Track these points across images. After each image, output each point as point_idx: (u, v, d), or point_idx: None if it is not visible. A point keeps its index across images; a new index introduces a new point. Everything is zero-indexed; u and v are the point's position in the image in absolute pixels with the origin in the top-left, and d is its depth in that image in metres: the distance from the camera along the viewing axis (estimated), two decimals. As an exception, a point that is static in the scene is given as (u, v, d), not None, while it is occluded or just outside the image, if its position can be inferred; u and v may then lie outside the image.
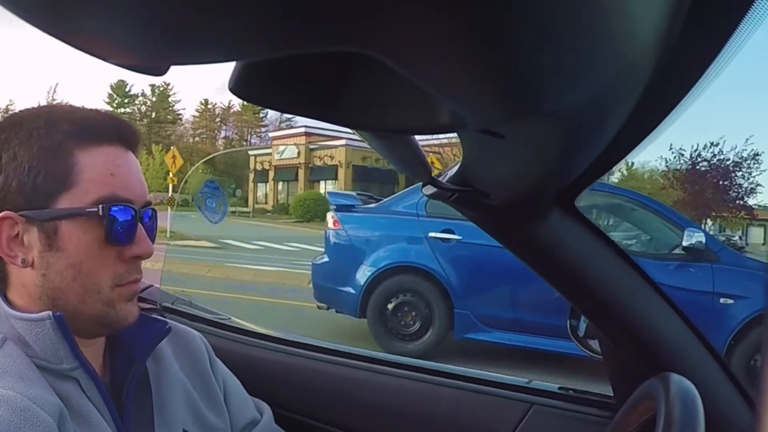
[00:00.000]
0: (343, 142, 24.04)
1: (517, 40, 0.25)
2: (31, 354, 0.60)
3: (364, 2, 0.22)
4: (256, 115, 42.52)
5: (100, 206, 0.61)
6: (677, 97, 0.47)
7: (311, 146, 25.28)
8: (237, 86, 0.34)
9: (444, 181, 0.68)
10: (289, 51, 0.26)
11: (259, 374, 1.07)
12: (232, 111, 44.29)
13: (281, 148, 26.36)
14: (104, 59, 0.28)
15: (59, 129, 0.61)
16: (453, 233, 4.38)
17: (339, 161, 23.82)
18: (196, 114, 45.95)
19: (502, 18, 0.23)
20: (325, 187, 24.33)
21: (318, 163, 25.06)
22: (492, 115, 0.37)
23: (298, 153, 25.31)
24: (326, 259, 4.81)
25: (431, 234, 4.44)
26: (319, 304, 4.84)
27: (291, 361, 1.11)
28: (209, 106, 45.66)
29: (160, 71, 0.30)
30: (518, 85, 0.31)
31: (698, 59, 0.41)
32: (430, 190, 0.69)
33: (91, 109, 0.66)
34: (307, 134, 26.33)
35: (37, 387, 0.57)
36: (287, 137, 27.33)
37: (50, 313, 0.60)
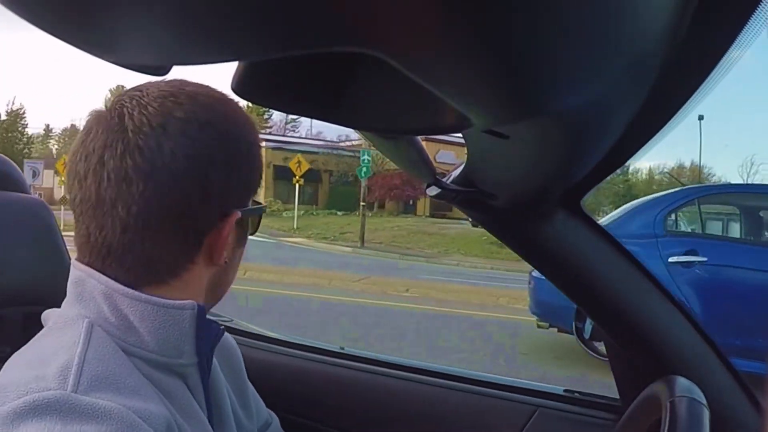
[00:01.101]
0: (263, 144, 25.18)
1: (521, 40, 0.25)
2: (132, 341, 0.53)
3: (368, 2, 0.22)
4: (260, 116, 43.18)
5: (269, 200, 0.63)
6: (684, 96, 0.46)
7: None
8: (239, 86, 0.34)
9: (448, 181, 0.68)
10: (292, 51, 0.26)
11: (262, 377, 1.07)
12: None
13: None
14: (107, 60, 0.28)
15: (255, 126, 0.61)
16: (697, 254, 3.89)
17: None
18: None
19: (507, 18, 0.23)
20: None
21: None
22: (496, 116, 0.37)
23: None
24: None
25: (671, 260, 3.87)
26: (540, 323, 4.43)
27: (294, 364, 1.11)
28: None
29: (162, 71, 0.30)
30: (523, 85, 0.30)
31: (705, 58, 0.41)
32: (434, 191, 0.68)
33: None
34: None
35: (141, 395, 0.49)
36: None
37: (195, 303, 0.55)
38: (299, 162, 17.05)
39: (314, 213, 20.13)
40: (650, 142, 0.54)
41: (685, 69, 0.42)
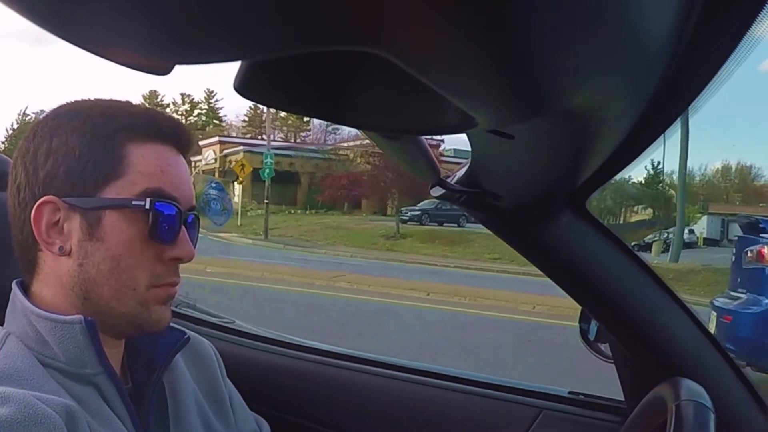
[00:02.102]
0: (241, 148, 27.94)
1: (527, 39, 0.25)
2: (47, 354, 0.58)
3: (373, 0, 0.21)
4: (300, 119, 44.13)
5: (148, 199, 0.59)
6: (690, 95, 0.46)
7: (224, 152, 28.93)
8: (242, 86, 0.34)
9: (452, 182, 0.67)
10: (296, 50, 0.26)
11: (264, 378, 1.07)
12: (280, 114, 45.43)
13: (206, 153, 30.22)
14: (108, 58, 0.28)
15: (116, 120, 0.60)
16: None
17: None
18: (245, 119, 47.83)
19: (514, 17, 0.23)
20: (232, 187, 28.04)
21: (227, 167, 28.37)
22: (502, 116, 0.37)
23: (215, 159, 29.02)
24: (763, 304, 3.60)
25: None
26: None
27: (296, 365, 1.10)
28: (258, 111, 46.95)
29: (165, 71, 0.29)
30: (528, 84, 0.30)
31: (712, 57, 0.41)
32: (438, 191, 0.68)
33: (150, 107, 0.65)
34: (220, 142, 30.37)
35: (42, 389, 0.55)
36: (208, 146, 31.37)
37: (81, 317, 0.58)
38: (243, 165, 19.20)
39: (262, 213, 22.66)
40: (657, 141, 0.53)
41: (692, 68, 0.42)
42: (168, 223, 0.60)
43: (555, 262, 0.78)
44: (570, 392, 1.00)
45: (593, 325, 0.94)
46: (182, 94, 48.43)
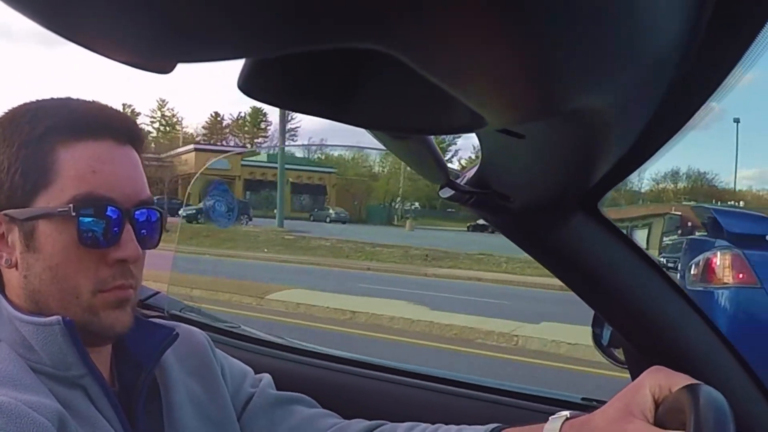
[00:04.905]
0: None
1: (539, 35, 0.24)
2: (34, 359, 0.58)
3: None
4: (256, 127, 46.49)
5: (71, 206, 0.58)
6: (704, 95, 0.45)
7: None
8: (246, 84, 0.33)
9: (462, 183, 0.67)
10: (301, 47, 0.25)
11: None
12: (237, 122, 47.34)
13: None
14: (109, 57, 0.27)
15: (41, 124, 0.58)
16: None
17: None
18: (206, 126, 49.66)
19: (525, 13, 0.22)
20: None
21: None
22: (512, 115, 0.36)
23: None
24: None
25: None
26: None
27: (301, 370, 1.10)
28: (218, 119, 48.59)
29: (166, 69, 0.29)
30: (540, 83, 0.29)
31: (726, 56, 0.40)
32: (447, 192, 0.67)
33: (83, 101, 0.62)
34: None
35: (34, 392, 0.55)
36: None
37: (59, 318, 0.58)
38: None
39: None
40: (670, 141, 0.52)
41: (705, 67, 0.41)
42: (100, 227, 0.58)
43: (566, 265, 0.77)
44: (583, 398, 0.99)
45: (606, 330, 0.93)
46: (123, 104, 51.41)
